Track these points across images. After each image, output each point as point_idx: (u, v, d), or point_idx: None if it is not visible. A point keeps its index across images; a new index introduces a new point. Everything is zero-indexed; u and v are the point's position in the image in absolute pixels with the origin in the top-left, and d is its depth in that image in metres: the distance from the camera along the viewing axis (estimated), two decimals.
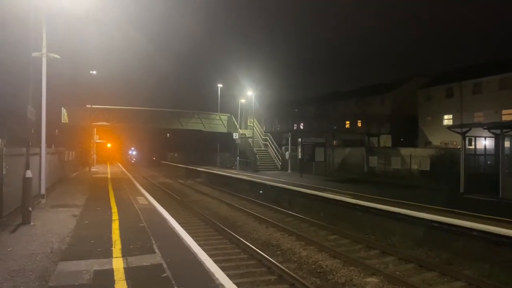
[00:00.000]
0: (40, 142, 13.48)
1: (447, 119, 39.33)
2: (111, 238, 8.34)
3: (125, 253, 7.13)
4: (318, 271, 9.15)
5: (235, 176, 28.53)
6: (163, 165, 64.59)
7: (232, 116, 40.22)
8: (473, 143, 17.37)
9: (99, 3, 15.30)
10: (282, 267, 8.89)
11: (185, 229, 9.57)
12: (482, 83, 36.61)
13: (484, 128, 16.97)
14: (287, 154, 33.43)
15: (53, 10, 13.15)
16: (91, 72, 35.01)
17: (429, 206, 12.80)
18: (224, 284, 5.63)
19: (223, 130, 39.82)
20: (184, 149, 70.02)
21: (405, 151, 29.24)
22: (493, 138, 16.78)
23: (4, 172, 9.17)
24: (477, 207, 12.48)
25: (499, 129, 15.75)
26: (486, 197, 15.25)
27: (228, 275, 6.18)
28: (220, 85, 43.79)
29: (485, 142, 17.75)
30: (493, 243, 9.29)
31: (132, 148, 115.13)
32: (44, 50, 13.18)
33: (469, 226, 9.94)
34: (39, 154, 13.25)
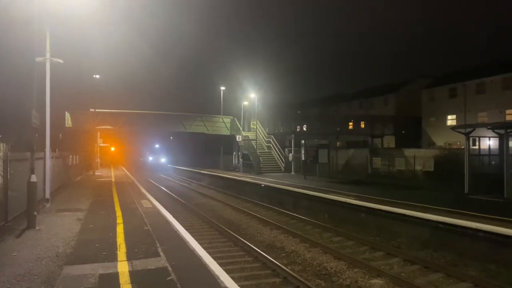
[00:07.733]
0: (44, 147, 13.53)
1: (451, 120, 39.20)
2: (116, 241, 8.36)
3: (130, 257, 7.15)
4: (323, 273, 9.14)
5: (239, 178, 28.53)
6: (167, 168, 64.75)
7: (235, 118, 40.26)
8: (477, 143, 17.33)
9: (102, 9, 15.40)
10: (287, 269, 8.88)
11: (189, 232, 9.57)
12: (485, 83, 36.51)
13: (488, 128, 16.92)
14: (290, 156, 33.43)
15: (57, 16, 13.23)
16: (94, 76, 35.17)
17: (434, 207, 12.77)
18: (229, 287, 5.64)
19: (226, 132, 39.87)
20: (188, 152, 70.26)
21: (408, 152, 29.16)
22: (497, 138, 16.72)
23: (8, 176, 9.22)
24: (481, 208, 12.45)
25: (503, 129, 15.69)
26: (491, 197, 15.18)
27: (232, 278, 6.19)
28: (222, 88, 43.88)
29: (489, 142, 17.71)
30: (499, 243, 9.25)
31: (148, 149, 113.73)
32: (47, 55, 13.25)
33: (474, 227, 9.89)
34: (44, 158, 13.30)
